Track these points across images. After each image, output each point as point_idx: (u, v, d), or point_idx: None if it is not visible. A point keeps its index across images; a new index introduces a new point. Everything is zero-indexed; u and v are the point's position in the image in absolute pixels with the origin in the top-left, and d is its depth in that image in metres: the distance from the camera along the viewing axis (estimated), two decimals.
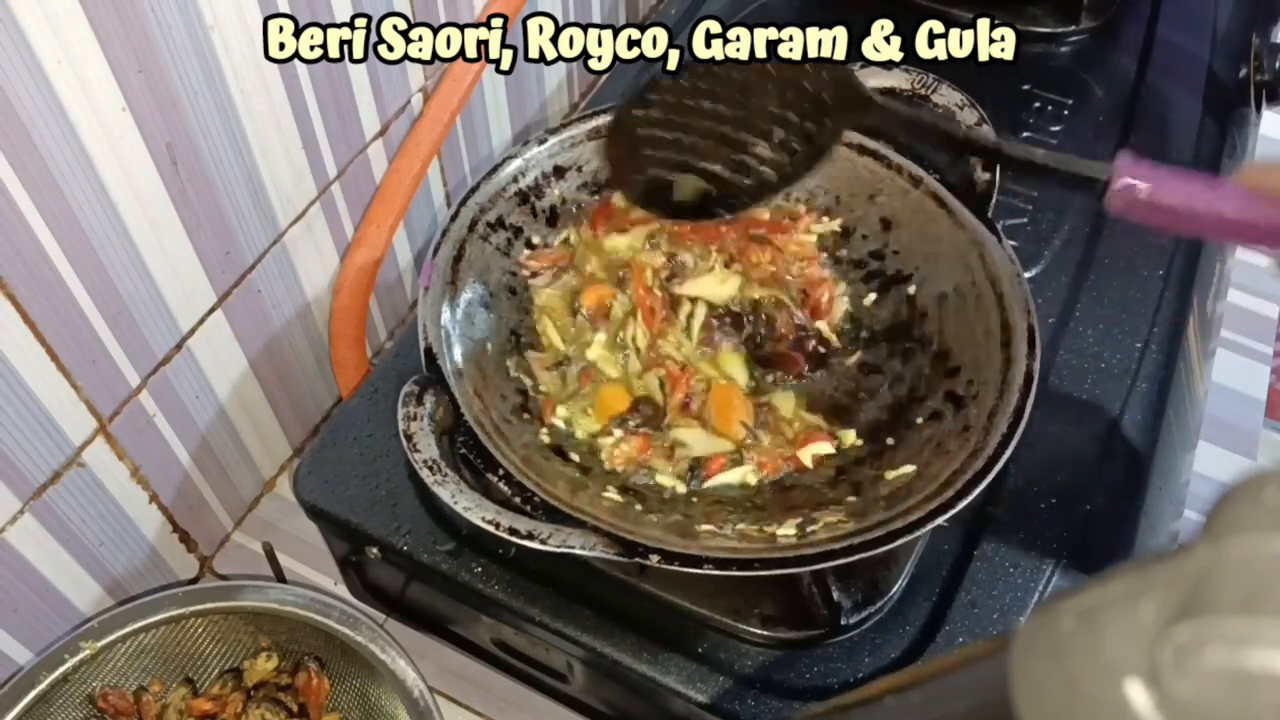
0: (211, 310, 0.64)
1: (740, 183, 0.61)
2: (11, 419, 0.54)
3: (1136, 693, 0.22)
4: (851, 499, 0.56)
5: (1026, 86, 0.83)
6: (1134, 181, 0.47)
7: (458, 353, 0.59)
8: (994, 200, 0.64)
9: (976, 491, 0.52)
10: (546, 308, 0.66)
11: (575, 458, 0.60)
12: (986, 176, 0.64)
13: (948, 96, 0.67)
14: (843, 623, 0.56)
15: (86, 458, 0.59)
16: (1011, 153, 0.55)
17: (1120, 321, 0.69)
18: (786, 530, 0.54)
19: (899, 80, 0.68)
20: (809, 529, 0.54)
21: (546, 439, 0.60)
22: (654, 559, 0.50)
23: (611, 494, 0.57)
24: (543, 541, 0.50)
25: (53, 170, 0.50)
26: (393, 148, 0.74)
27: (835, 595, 0.56)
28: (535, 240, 0.67)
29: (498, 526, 0.50)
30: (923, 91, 0.67)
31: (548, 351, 0.65)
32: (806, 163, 0.62)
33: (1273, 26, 0.91)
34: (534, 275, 0.67)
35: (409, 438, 0.53)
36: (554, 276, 0.67)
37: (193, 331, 0.63)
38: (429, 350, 0.57)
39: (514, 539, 0.50)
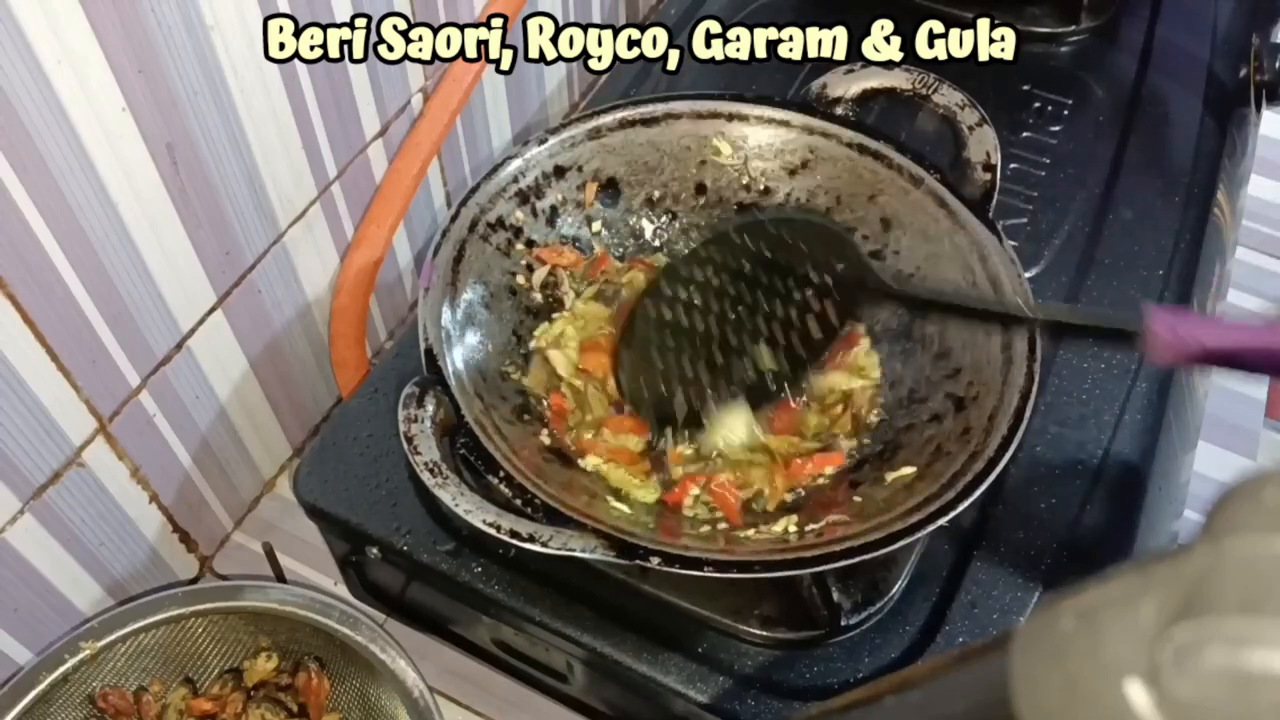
0: (211, 310, 0.64)
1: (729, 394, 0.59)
2: (11, 419, 0.54)
3: (1136, 693, 0.22)
4: (852, 500, 0.56)
5: (1026, 86, 0.83)
6: (1178, 334, 0.45)
7: (458, 353, 0.59)
8: (994, 200, 0.64)
9: (977, 494, 0.52)
10: (582, 313, 0.65)
11: (576, 460, 0.60)
12: (987, 177, 0.64)
13: (948, 96, 0.67)
14: (843, 623, 0.55)
15: (86, 458, 0.59)
16: (1040, 315, 0.55)
17: None
18: (786, 530, 0.54)
19: (899, 80, 0.68)
20: (809, 529, 0.54)
21: (547, 440, 0.60)
22: (654, 561, 0.50)
23: (613, 498, 0.57)
24: (544, 544, 0.50)
25: (53, 170, 0.50)
26: (393, 148, 0.74)
27: (835, 596, 0.56)
28: (535, 240, 0.67)
29: (499, 529, 0.50)
30: (923, 91, 0.67)
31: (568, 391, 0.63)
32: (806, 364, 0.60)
33: (1273, 26, 0.91)
34: (554, 299, 0.66)
35: (410, 440, 0.53)
36: (585, 290, 0.66)
37: (193, 331, 0.63)
38: (429, 351, 0.57)
39: (515, 542, 0.50)
